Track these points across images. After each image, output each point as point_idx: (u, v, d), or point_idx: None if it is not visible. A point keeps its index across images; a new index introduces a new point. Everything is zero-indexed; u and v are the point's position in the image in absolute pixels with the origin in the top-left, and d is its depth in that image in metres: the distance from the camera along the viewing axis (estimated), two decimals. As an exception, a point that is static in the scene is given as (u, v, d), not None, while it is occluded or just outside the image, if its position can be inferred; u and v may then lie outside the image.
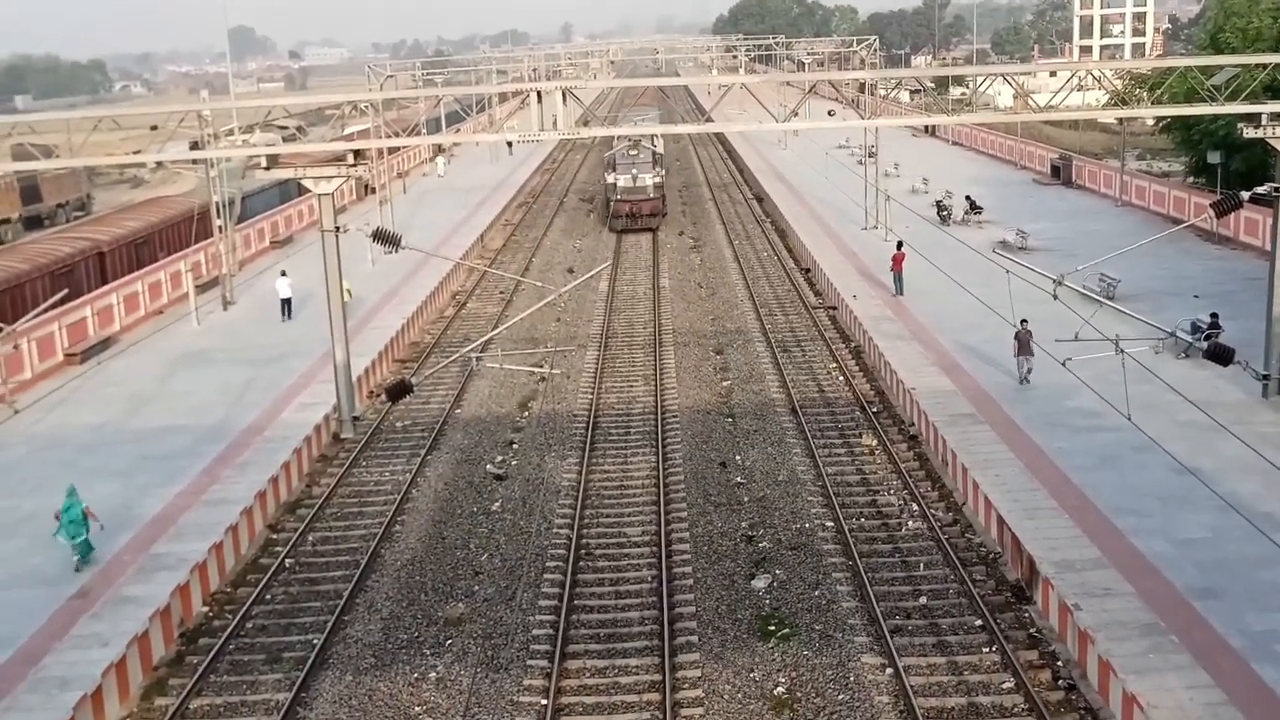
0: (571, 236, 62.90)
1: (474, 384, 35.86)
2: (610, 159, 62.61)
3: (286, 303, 42.19)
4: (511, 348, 38.57)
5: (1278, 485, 22.65)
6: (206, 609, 22.59)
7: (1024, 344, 30.62)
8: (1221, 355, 21.58)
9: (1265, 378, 28.63)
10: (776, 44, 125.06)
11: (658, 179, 61.67)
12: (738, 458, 29.29)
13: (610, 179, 62.18)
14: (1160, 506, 23.13)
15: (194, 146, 40.40)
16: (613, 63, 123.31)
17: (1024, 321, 30.26)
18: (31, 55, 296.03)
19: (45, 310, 36.03)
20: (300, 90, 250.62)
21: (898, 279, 41.56)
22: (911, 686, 18.66)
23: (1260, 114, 28.53)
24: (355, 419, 31.51)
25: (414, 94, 56.90)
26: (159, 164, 42.29)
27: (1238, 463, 23.74)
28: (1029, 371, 30.69)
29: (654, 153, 61.28)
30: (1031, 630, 20.39)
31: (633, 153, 60.38)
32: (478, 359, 31.92)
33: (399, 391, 25.55)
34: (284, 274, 42.62)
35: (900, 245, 41.91)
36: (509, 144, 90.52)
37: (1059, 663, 19.29)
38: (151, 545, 23.59)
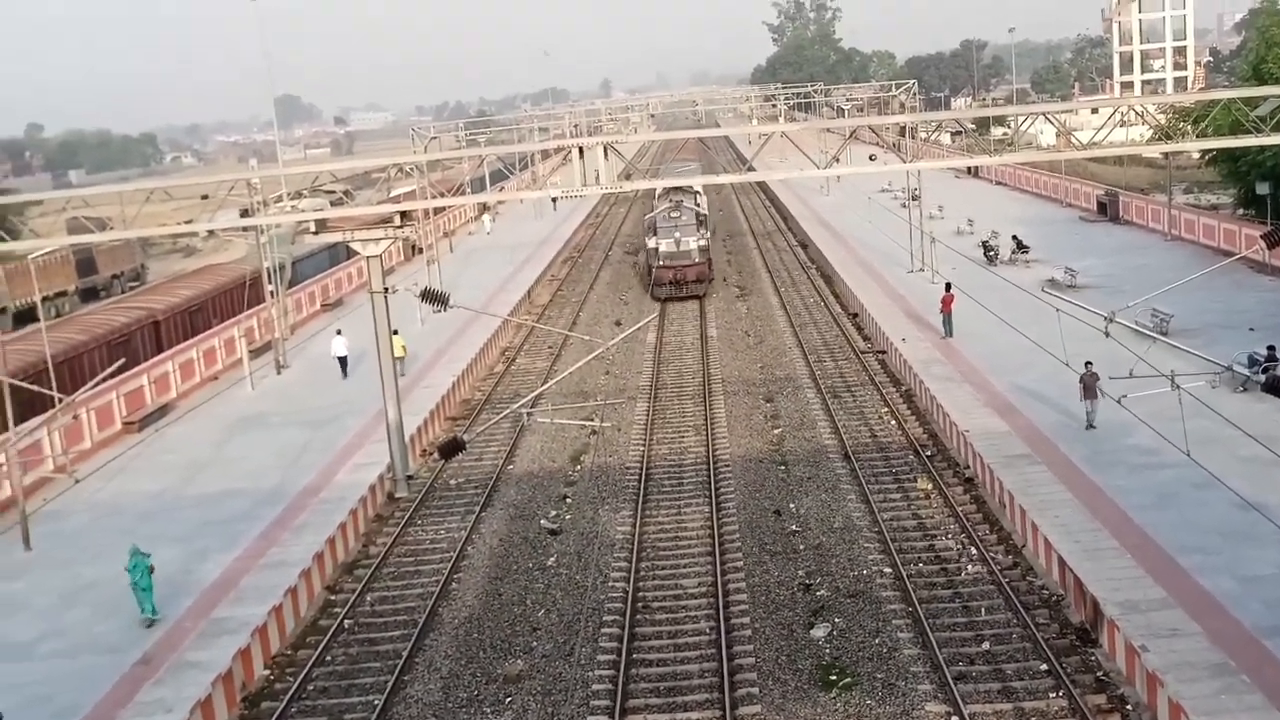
0: (618, 290, 63.18)
1: (526, 439, 35.99)
2: (650, 222, 58.18)
3: (343, 361, 42.77)
4: (562, 402, 38.72)
5: (1345, 518, 22.23)
6: (268, 672, 22.71)
7: (1089, 387, 29.91)
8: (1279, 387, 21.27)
9: (1326, 409, 28.17)
10: (815, 91, 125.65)
11: (703, 242, 56.95)
12: (792, 505, 29.16)
13: (651, 243, 57.42)
14: (1224, 543, 22.75)
15: (244, 214, 41.09)
16: (652, 116, 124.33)
17: (1089, 364, 29.57)
18: (84, 130, 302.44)
19: (103, 380, 36.61)
20: (346, 155, 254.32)
21: (947, 321, 41.36)
22: (978, 734, 18.42)
23: (1308, 143, 28.30)
24: (409, 478, 31.73)
25: (458, 154, 57.44)
26: (210, 232, 43.08)
27: (1302, 496, 23.34)
28: (1094, 414, 29.96)
29: (697, 213, 57.06)
30: (1098, 674, 20.06)
31: (674, 215, 55.97)
32: (529, 414, 32.12)
33: (452, 449, 25.69)
34: (339, 333, 43.27)
35: (949, 286, 41.70)
36: (553, 200, 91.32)
37: (1128, 706, 18.95)
38: (213, 610, 23.79)
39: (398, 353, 42.88)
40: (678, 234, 55.98)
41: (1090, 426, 29.93)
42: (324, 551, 26.82)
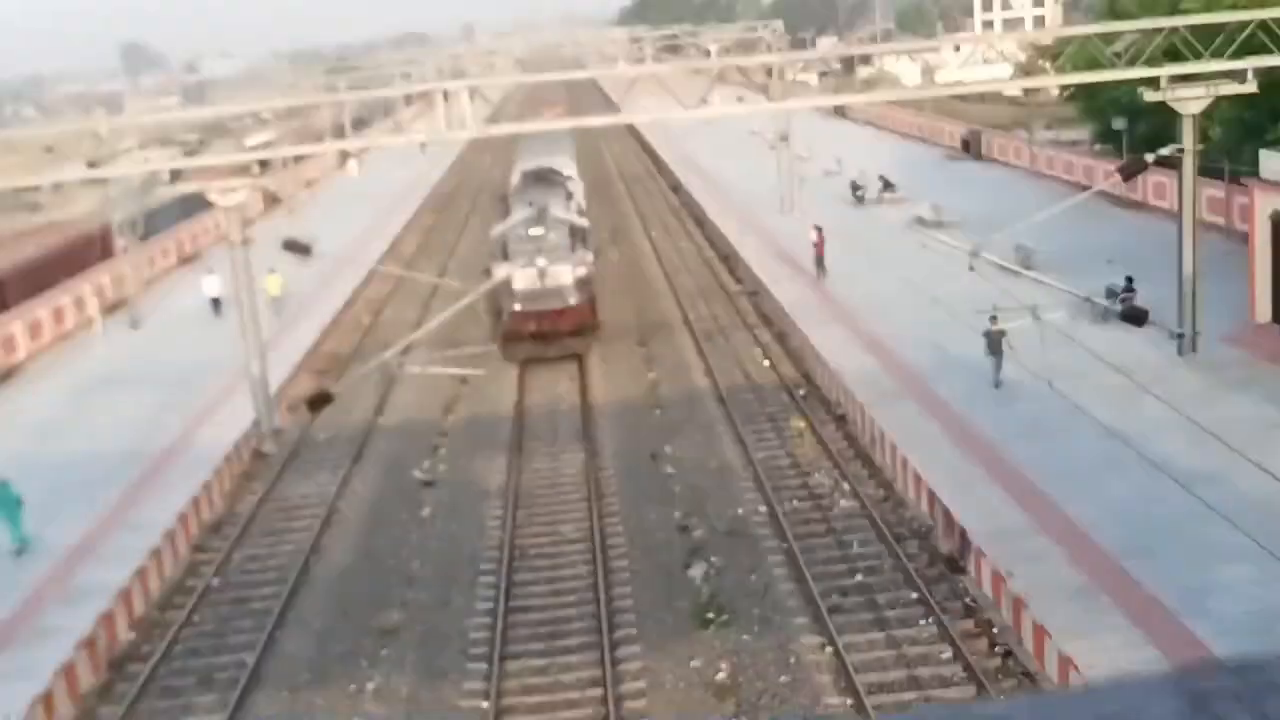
0: (487, 239, 62.25)
1: (397, 391, 35.37)
2: (500, 239, 37.76)
3: (215, 302, 42.30)
4: (432, 351, 38.09)
5: (1199, 442, 23.00)
6: (133, 635, 21.98)
7: (995, 343, 27.86)
8: (1136, 317, 21.90)
9: (1179, 336, 29.10)
10: (682, 33, 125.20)
11: (581, 270, 36.87)
12: (668, 449, 29.16)
13: (502, 272, 36.28)
14: (1087, 471, 23.36)
15: (91, 166, 39.41)
16: (518, 60, 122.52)
17: (993, 319, 27.33)
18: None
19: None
20: (199, 104, 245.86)
21: (819, 262, 41.54)
22: (852, 664, 18.65)
23: (1159, 77, 28.98)
24: (276, 433, 30.93)
25: (316, 101, 55.82)
26: (56, 186, 41.25)
27: (1160, 422, 24.07)
28: (1000, 371, 27.95)
29: (571, 225, 37.55)
30: (967, 600, 20.48)
31: (536, 228, 36.26)
32: (399, 365, 31.47)
33: (320, 402, 25.13)
34: (211, 272, 43.18)
35: (819, 229, 41.71)
36: (421, 146, 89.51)
37: (994, 629, 19.39)
38: (72, 574, 22.92)
39: (274, 291, 42.59)
40: (542, 260, 35.94)
41: (997, 385, 28.08)
42: (188, 511, 26.03)
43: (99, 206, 51.30)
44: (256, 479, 29.39)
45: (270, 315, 41.35)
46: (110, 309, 44.78)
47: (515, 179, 45.10)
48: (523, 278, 35.87)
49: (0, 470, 26.52)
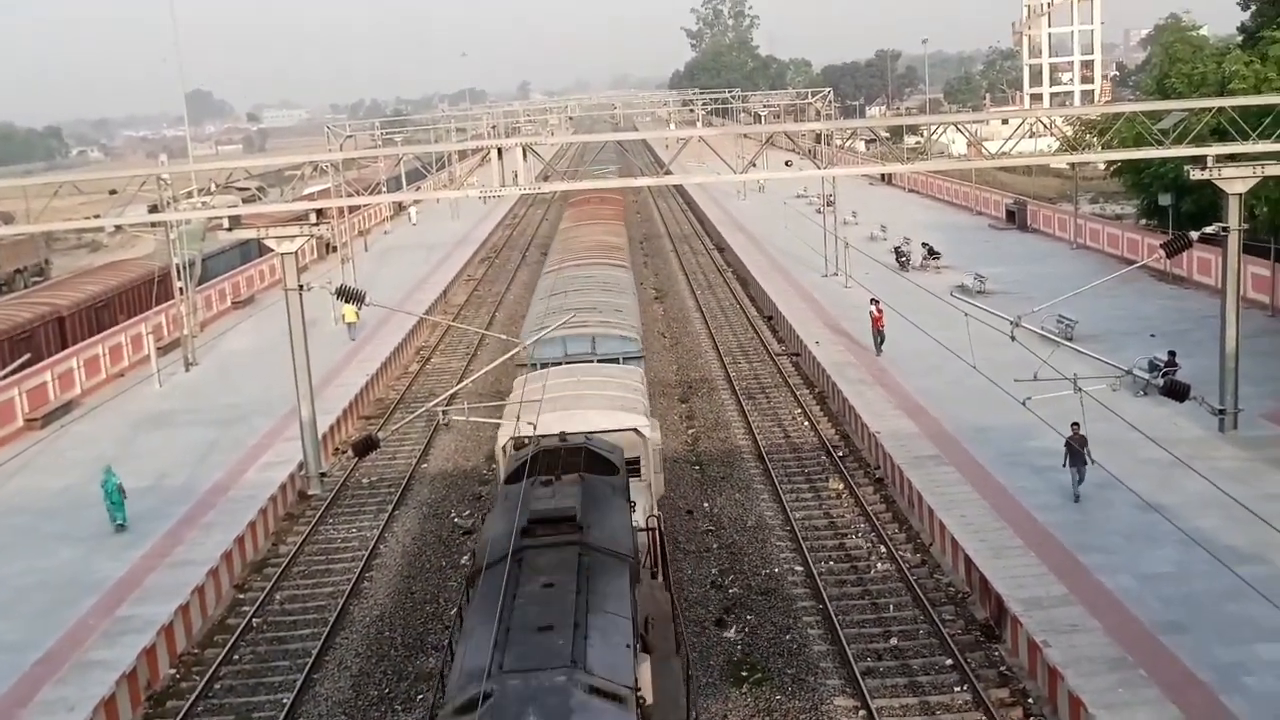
0: (533, 290, 62.94)
1: (440, 438, 35.82)
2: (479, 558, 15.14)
3: None
4: (477, 401, 38.52)
5: (1238, 519, 22.95)
6: (174, 671, 22.37)
7: (1076, 452, 25.57)
8: (1178, 392, 21.93)
9: (1221, 412, 29.08)
10: (733, 97, 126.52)
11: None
12: (706, 505, 29.38)
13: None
14: (1125, 543, 23.38)
15: (153, 210, 40.42)
16: (571, 118, 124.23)
17: (1075, 425, 25.29)
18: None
19: (5, 376, 35.80)
20: (259, 152, 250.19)
21: (878, 337, 39.81)
22: (885, 728, 18.71)
23: (1206, 156, 29.18)
24: (322, 475, 31.40)
25: (374, 153, 56.84)
26: (118, 228, 42.19)
27: (1199, 498, 24.07)
28: (1080, 484, 25.68)
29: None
30: (1001, 668, 20.50)
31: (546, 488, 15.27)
32: (444, 413, 31.85)
33: (365, 447, 25.46)
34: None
35: (876, 302, 40.52)
36: (482, 199, 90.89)
37: (1029, 700, 19.39)
38: (117, 608, 23.37)
39: (350, 318, 47.40)
40: (547, 573, 13.32)
41: (1076, 499, 25.64)
42: (232, 550, 26.48)
43: (159, 249, 52.37)
44: (300, 520, 29.85)
45: (346, 337, 46.72)
46: (166, 348, 45.68)
47: (503, 470, 20.89)
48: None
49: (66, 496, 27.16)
